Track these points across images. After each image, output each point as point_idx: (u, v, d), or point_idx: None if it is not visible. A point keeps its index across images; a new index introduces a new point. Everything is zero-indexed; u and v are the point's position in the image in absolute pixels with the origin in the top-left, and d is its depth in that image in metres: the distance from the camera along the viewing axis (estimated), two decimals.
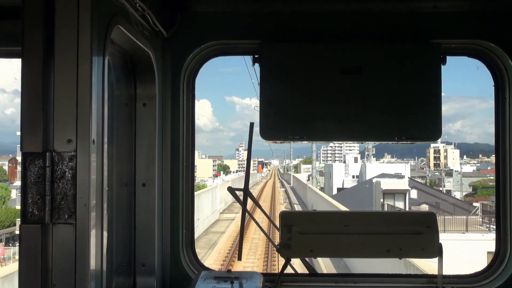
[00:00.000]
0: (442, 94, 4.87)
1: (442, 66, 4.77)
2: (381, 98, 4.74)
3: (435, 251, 4.54)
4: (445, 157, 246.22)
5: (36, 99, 2.89)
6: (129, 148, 4.48)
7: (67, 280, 2.88)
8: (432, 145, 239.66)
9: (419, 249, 4.55)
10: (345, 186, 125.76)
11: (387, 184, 63.06)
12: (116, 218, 4.31)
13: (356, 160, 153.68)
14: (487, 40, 4.78)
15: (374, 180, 67.89)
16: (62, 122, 2.92)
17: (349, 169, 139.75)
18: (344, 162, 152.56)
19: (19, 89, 2.94)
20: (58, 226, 2.89)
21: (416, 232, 4.53)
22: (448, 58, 4.82)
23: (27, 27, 2.90)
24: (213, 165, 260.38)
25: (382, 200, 59.90)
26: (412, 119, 4.73)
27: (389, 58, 4.77)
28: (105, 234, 3.15)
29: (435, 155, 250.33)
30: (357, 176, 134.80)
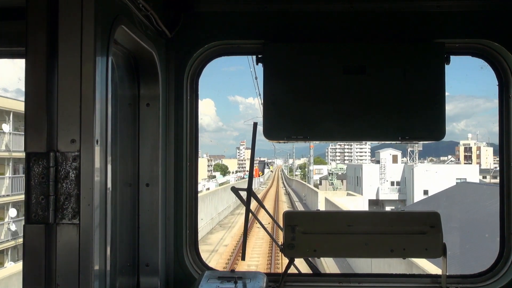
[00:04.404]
0: (446, 94, 4.86)
1: (446, 66, 4.77)
2: (384, 98, 4.74)
3: (439, 250, 4.52)
4: (478, 156, 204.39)
5: (40, 99, 2.89)
6: (133, 148, 4.48)
7: (71, 280, 2.88)
8: (462, 142, 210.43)
9: (423, 249, 4.54)
10: (380, 198, 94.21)
11: None
12: (120, 218, 4.32)
13: (395, 159, 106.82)
14: (491, 39, 4.77)
15: None
16: (65, 122, 2.92)
17: (385, 172, 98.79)
18: (378, 162, 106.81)
19: (22, 88, 2.95)
20: (62, 226, 2.89)
21: (420, 231, 4.52)
22: (452, 57, 4.82)
23: (30, 28, 2.90)
24: (209, 165, 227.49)
25: None
26: (415, 119, 4.72)
27: (393, 58, 4.76)
28: (109, 234, 3.16)
29: (466, 153, 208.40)
30: (397, 183, 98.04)
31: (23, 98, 2.95)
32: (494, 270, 4.87)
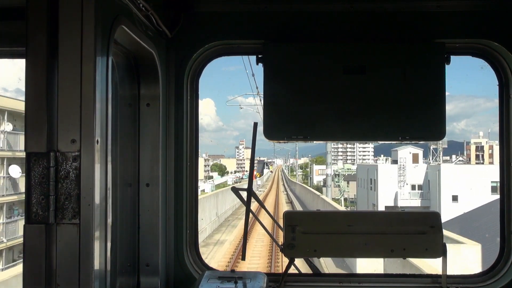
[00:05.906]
0: (447, 94, 4.87)
1: (446, 66, 4.77)
2: (384, 98, 4.74)
3: (439, 250, 4.53)
4: (490, 155, 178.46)
5: (40, 99, 2.90)
6: (133, 148, 4.49)
7: (71, 280, 2.89)
8: (473, 140, 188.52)
9: (423, 249, 4.54)
10: (399, 204, 79.89)
11: None
12: (120, 218, 4.32)
13: (416, 159, 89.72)
14: (491, 39, 4.77)
15: None
16: (66, 122, 2.92)
17: (405, 174, 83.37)
18: (396, 162, 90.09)
19: (22, 88, 2.95)
20: (62, 226, 2.89)
21: (419, 232, 4.52)
22: (453, 57, 4.82)
23: (31, 28, 2.90)
24: (206, 165, 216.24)
25: None
26: (416, 119, 4.72)
27: (393, 58, 4.76)
28: (109, 234, 3.16)
29: (477, 152, 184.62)
30: (419, 187, 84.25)
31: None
32: (494, 270, 4.87)
